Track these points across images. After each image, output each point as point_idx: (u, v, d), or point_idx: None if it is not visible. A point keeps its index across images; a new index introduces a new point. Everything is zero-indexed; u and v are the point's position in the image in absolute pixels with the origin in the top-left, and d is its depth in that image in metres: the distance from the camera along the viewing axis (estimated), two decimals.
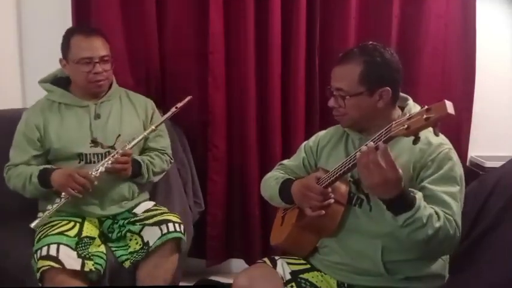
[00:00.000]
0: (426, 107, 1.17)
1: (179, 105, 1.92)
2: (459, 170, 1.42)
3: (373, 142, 1.28)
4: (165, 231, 1.80)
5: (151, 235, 1.80)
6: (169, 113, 1.91)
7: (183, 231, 1.84)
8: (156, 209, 1.94)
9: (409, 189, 1.32)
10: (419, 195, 1.31)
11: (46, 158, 1.89)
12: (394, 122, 1.24)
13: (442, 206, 1.35)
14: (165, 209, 1.94)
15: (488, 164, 2.27)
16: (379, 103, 1.45)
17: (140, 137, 1.88)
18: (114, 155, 1.81)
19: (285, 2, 2.26)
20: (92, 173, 1.77)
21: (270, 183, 1.71)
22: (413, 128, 1.18)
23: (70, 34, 1.87)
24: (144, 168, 1.93)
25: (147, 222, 1.84)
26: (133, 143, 1.86)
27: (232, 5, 2.29)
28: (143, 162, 1.93)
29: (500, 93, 2.43)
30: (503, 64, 2.41)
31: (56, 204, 1.76)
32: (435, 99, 2.22)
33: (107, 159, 1.82)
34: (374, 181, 1.25)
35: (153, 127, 1.91)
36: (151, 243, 1.78)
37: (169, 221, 1.83)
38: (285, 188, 1.61)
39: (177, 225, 1.83)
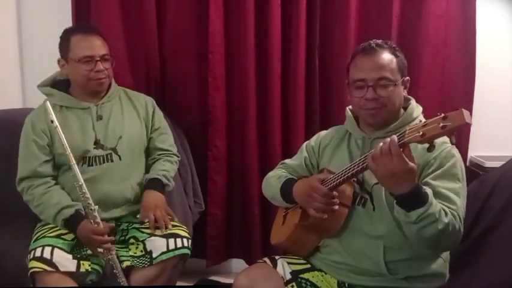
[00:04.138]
0: (443, 114, 1.14)
1: None
2: (461, 167, 1.43)
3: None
4: (172, 246, 1.76)
5: (157, 246, 1.76)
6: None
7: (190, 246, 1.81)
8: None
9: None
10: (429, 191, 1.31)
11: (54, 163, 1.85)
12: (408, 128, 1.23)
13: (446, 201, 1.35)
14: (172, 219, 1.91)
15: (488, 164, 2.26)
16: (404, 92, 1.51)
17: None
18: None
19: (285, 2, 2.26)
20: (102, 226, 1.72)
21: (272, 182, 1.70)
22: (429, 136, 1.16)
23: (69, 33, 1.86)
24: (165, 180, 1.94)
25: (154, 232, 1.80)
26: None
27: (232, 5, 2.29)
28: (160, 176, 1.93)
29: (500, 93, 2.43)
30: (503, 64, 2.41)
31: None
32: (435, 99, 2.29)
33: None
34: (380, 173, 1.26)
35: None
36: (154, 255, 1.75)
37: (178, 235, 1.79)
38: (287, 187, 1.61)
39: (185, 240, 1.80)
